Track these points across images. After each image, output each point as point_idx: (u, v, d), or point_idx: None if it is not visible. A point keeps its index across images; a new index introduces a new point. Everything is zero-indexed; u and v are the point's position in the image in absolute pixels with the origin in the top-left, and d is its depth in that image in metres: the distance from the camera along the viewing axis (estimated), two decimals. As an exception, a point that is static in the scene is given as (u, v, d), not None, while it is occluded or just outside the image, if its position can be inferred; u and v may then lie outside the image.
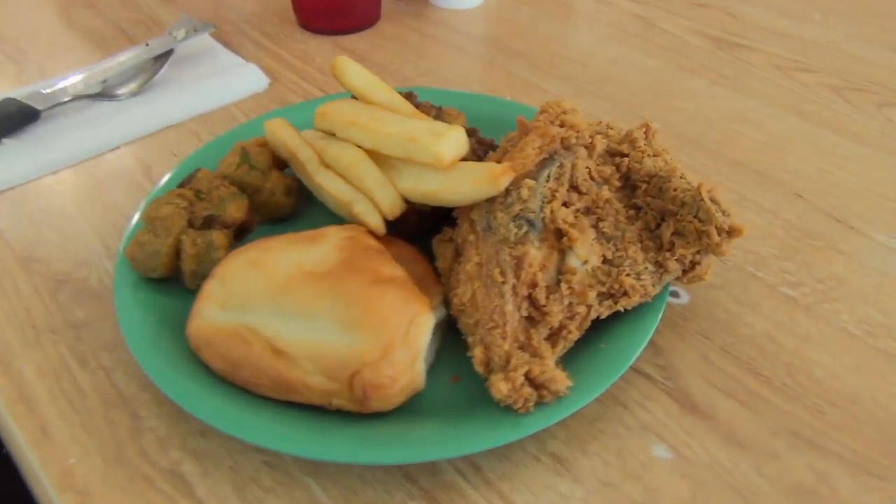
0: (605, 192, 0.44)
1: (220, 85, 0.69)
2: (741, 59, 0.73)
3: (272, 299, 0.39)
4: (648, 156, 0.46)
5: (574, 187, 0.43)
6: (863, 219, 0.53)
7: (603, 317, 0.41)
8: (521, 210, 0.41)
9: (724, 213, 0.43)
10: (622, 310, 0.42)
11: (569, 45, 0.76)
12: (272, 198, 0.50)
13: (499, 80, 0.70)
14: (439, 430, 0.37)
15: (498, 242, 0.41)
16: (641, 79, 0.70)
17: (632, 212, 0.45)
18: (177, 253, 0.45)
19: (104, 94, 0.66)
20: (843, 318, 0.46)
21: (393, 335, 0.37)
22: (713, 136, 0.62)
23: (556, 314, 0.40)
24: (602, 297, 0.41)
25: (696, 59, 0.73)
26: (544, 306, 0.40)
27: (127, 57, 0.69)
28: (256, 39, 0.77)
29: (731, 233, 0.42)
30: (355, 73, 0.49)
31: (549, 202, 0.42)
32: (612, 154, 0.47)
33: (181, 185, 0.48)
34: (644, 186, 0.45)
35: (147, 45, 0.70)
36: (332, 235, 0.42)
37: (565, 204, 0.43)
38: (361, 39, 0.77)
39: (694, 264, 0.43)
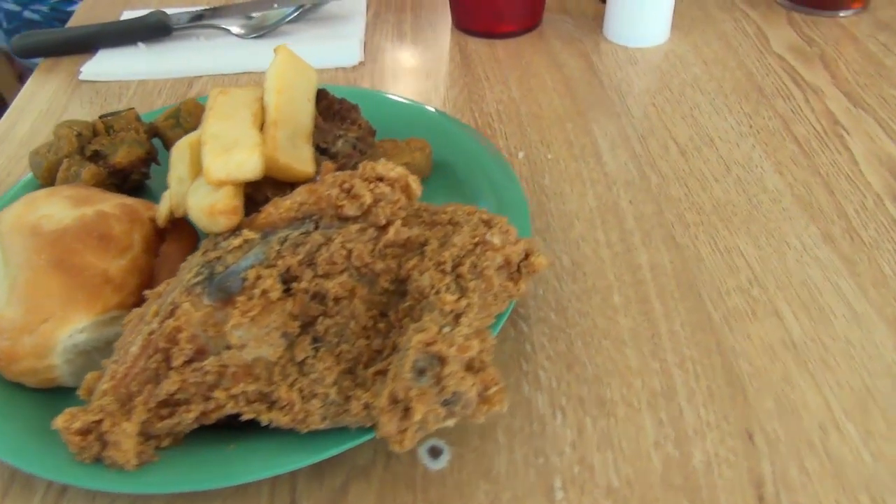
0: (353, 289, 0.35)
1: (319, 48, 0.70)
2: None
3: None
4: (454, 277, 0.35)
5: (311, 264, 0.35)
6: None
7: (245, 418, 0.34)
8: (214, 258, 0.35)
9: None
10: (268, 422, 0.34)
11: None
12: (183, 159, 0.50)
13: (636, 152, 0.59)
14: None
15: (178, 280, 0.36)
16: None
17: (379, 325, 0.36)
18: (55, 172, 0.49)
19: (230, 30, 0.73)
20: None
21: (33, 319, 0.36)
22: None
23: (179, 384, 0.34)
24: (250, 396, 0.34)
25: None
26: (172, 369, 0.34)
27: (280, 10, 0.74)
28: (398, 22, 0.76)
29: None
30: (277, 62, 0.46)
31: (265, 266, 0.35)
32: (409, 249, 0.37)
33: (105, 115, 0.51)
34: (408, 304, 0.35)
35: (276, 4, 0.74)
36: (111, 201, 0.42)
37: (293, 277, 0.35)
38: (502, 45, 0.71)
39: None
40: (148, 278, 0.40)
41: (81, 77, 0.68)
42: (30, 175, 0.50)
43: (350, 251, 0.35)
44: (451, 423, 0.31)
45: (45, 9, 1.35)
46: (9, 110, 0.65)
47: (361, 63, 0.69)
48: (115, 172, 0.49)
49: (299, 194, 0.37)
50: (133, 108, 0.52)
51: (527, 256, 0.39)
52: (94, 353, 0.38)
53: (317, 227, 0.36)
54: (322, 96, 0.50)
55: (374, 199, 0.36)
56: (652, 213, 0.51)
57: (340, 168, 0.45)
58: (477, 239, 0.36)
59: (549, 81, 0.65)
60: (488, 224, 0.40)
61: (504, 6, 0.71)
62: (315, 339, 0.35)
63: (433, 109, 0.56)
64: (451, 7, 0.74)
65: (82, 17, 0.80)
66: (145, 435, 0.34)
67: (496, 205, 0.47)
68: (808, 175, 0.53)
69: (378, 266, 0.36)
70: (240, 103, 0.44)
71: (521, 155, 0.56)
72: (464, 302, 0.34)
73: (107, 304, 0.38)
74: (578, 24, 0.74)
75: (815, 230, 0.49)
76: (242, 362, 0.34)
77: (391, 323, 0.35)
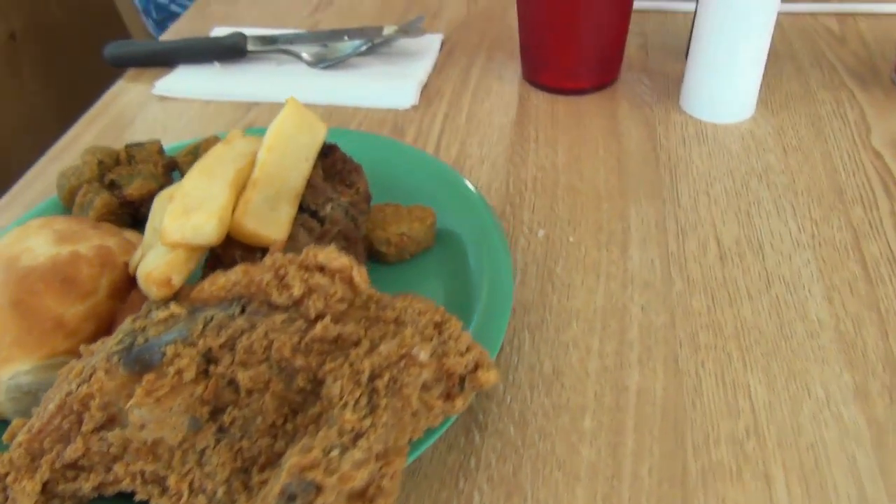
0: (269, 382, 0.34)
1: (377, 85, 0.69)
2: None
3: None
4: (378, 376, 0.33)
5: (233, 349, 0.34)
6: None
7: (138, 498, 0.33)
8: (140, 328, 0.35)
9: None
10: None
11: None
12: (196, 197, 0.51)
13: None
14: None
15: (105, 343, 0.36)
16: None
17: (287, 426, 0.34)
18: (75, 195, 0.51)
19: (301, 56, 0.74)
20: None
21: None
22: None
23: (83, 450, 0.33)
24: (147, 476, 0.33)
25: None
26: (80, 434, 0.34)
27: (348, 43, 0.74)
28: (457, 57, 0.74)
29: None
30: (281, 116, 0.46)
31: (186, 343, 0.34)
32: (340, 347, 0.34)
33: (131, 144, 0.53)
34: (318, 410, 0.33)
35: (347, 35, 0.73)
36: (91, 241, 0.42)
37: (214, 359, 0.34)
38: (576, 102, 0.67)
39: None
40: (108, 324, 0.41)
41: (154, 91, 0.71)
42: (56, 195, 0.52)
43: (271, 342, 0.34)
44: (318, 558, 0.29)
45: (188, 3, 1.44)
46: (82, 118, 0.69)
47: (414, 107, 0.67)
48: (127, 203, 0.50)
49: (234, 273, 0.36)
50: (158, 141, 0.53)
51: (475, 368, 0.36)
52: (42, 393, 0.39)
53: (243, 312, 0.35)
54: (329, 151, 0.49)
55: (306, 289, 0.34)
56: (662, 326, 0.45)
57: (324, 235, 0.44)
58: (404, 351, 0.34)
59: (600, 151, 0.60)
60: (439, 328, 0.37)
61: (574, 62, 0.66)
62: (220, 429, 0.34)
63: (451, 170, 0.54)
64: (521, 56, 0.70)
65: (176, 30, 0.84)
66: (50, 493, 0.34)
67: (484, 295, 0.44)
68: (863, 308, 0.46)
69: (298, 362, 0.34)
70: (230, 157, 0.44)
71: (540, 233, 0.52)
72: (368, 421, 0.32)
73: (54, 350, 0.39)
74: (656, 87, 0.68)
75: (848, 380, 0.41)
76: (143, 440, 0.33)
77: (298, 426, 0.33)
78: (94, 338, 0.40)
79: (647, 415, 0.40)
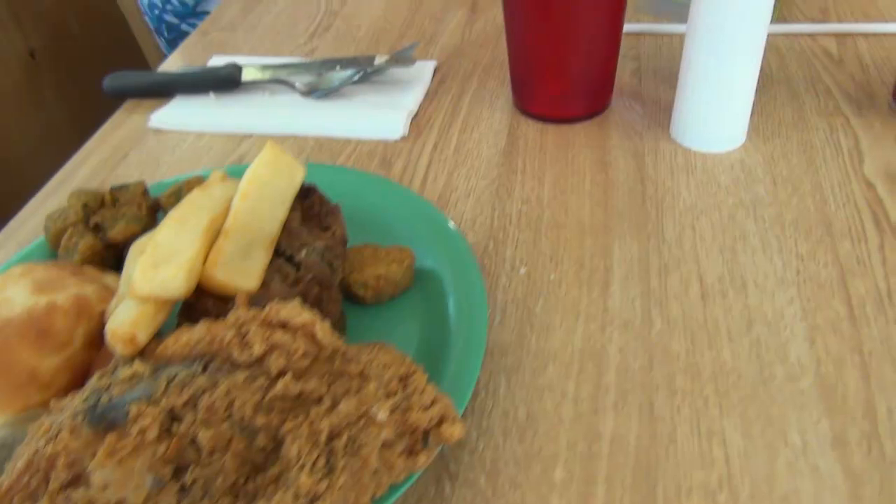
0: (230, 441, 0.34)
1: (368, 115, 0.69)
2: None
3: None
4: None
5: (196, 408, 0.34)
6: None
7: (101, 556, 0.34)
8: (104, 385, 0.35)
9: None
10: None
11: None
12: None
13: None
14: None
15: (73, 399, 0.36)
16: None
17: (248, 486, 0.34)
18: (60, 239, 0.52)
19: (295, 86, 0.74)
20: None
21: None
22: None
23: (47, 507, 0.34)
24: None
25: None
26: (47, 493, 0.34)
27: (341, 72, 0.74)
28: (450, 85, 0.74)
29: None
30: (257, 161, 0.46)
31: (149, 402, 0.35)
32: (302, 404, 0.35)
33: (116, 187, 0.53)
34: (277, 470, 0.33)
35: (339, 65, 0.74)
36: (69, 291, 0.43)
37: (177, 417, 0.35)
38: (566, 130, 0.66)
39: None
40: (84, 374, 0.41)
41: (150, 124, 0.72)
42: (42, 237, 0.53)
43: (233, 401, 0.34)
44: None
45: (198, 22, 1.45)
46: (79, 151, 0.70)
47: (404, 137, 0.67)
48: (111, 246, 0.51)
49: (198, 330, 0.36)
50: (142, 182, 0.54)
51: (440, 423, 0.36)
52: (17, 446, 0.40)
53: (205, 370, 0.35)
54: (308, 193, 0.49)
55: (268, 347, 0.35)
56: (639, 369, 0.45)
57: (298, 282, 0.44)
58: (363, 410, 0.34)
59: (587, 183, 0.60)
60: (404, 381, 0.37)
61: (562, 90, 0.66)
62: (182, 489, 0.34)
63: (432, 207, 0.54)
64: (511, 84, 0.70)
65: (177, 58, 0.85)
66: (19, 548, 0.35)
67: (459, 341, 0.44)
68: (846, 350, 0.45)
69: (259, 421, 0.34)
70: (206, 204, 0.44)
71: (522, 271, 0.52)
72: (324, 484, 0.32)
73: (28, 403, 0.39)
74: (648, 114, 0.67)
75: (825, 428, 0.41)
76: (107, 500, 0.34)
77: (259, 486, 0.34)
78: (69, 388, 0.40)
79: (619, 464, 0.40)
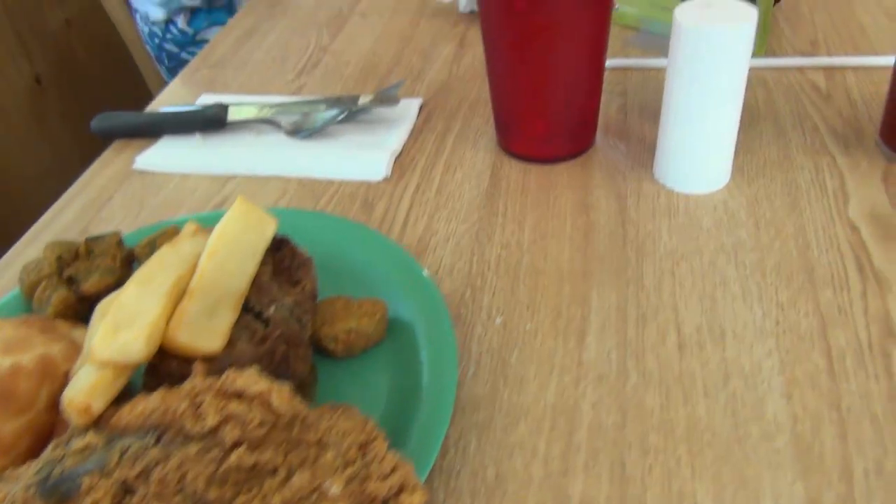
0: (182, 514, 0.33)
1: (351, 156, 0.69)
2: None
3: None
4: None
5: (148, 480, 0.34)
6: None
7: None
8: (57, 457, 0.35)
9: None
10: None
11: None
12: (154, 289, 0.51)
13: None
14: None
15: (26, 471, 0.36)
16: None
17: (200, 561, 0.33)
18: (34, 291, 0.52)
19: (280, 125, 0.74)
20: None
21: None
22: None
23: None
24: None
25: None
26: (-2, 566, 0.34)
27: (325, 112, 0.74)
28: (441, 131, 0.73)
29: None
30: (227, 217, 0.46)
31: (102, 474, 0.34)
32: (258, 475, 0.34)
33: (92, 238, 0.53)
34: (229, 546, 0.33)
35: (324, 104, 0.74)
36: (35, 351, 0.43)
37: (128, 490, 0.34)
38: (551, 170, 0.66)
39: None
40: (46, 437, 0.41)
41: (135, 167, 0.72)
42: (17, 289, 0.53)
43: (185, 473, 0.34)
44: None
45: (197, 50, 1.47)
46: (64, 195, 0.70)
47: (387, 178, 0.67)
48: (84, 299, 0.51)
49: (153, 400, 0.36)
50: (117, 232, 0.54)
51: (399, 492, 0.35)
52: (-21, 509, 0.40)
53: (158, 441, 0.35)
54: (280, 245, 0.49)
55: (222, 418, 0.34)
56: (612, 426, 0.44)
57: (265, 339, 0.44)
58: (316, 483, 0.33)
59: (567, 227, 0.59)
60: (363, 448, 0.36)
61: (544, 131, 0.65)
62: (134, 563, 0.33)
63: (406, 255, 0.53)
64: (494, 124, 0.70)
65: (165, 98, 0.85)
66: None
67: (428, 399, 0.44)
68: (824, 406, 0.44)
69: (212, 494, 0.34)
70: (173, 262, 0.44)
71: (498, 321, 0.51)
72: (274, 563, 0.31)
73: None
74: (632, 153, 0.67)
75: (800, 490, 0.40)
76: (56, 575, 0.33)
77: (211, 562, 0.33)
78: (31, 451, 0.40)
79: (587, 529, 0.39)
